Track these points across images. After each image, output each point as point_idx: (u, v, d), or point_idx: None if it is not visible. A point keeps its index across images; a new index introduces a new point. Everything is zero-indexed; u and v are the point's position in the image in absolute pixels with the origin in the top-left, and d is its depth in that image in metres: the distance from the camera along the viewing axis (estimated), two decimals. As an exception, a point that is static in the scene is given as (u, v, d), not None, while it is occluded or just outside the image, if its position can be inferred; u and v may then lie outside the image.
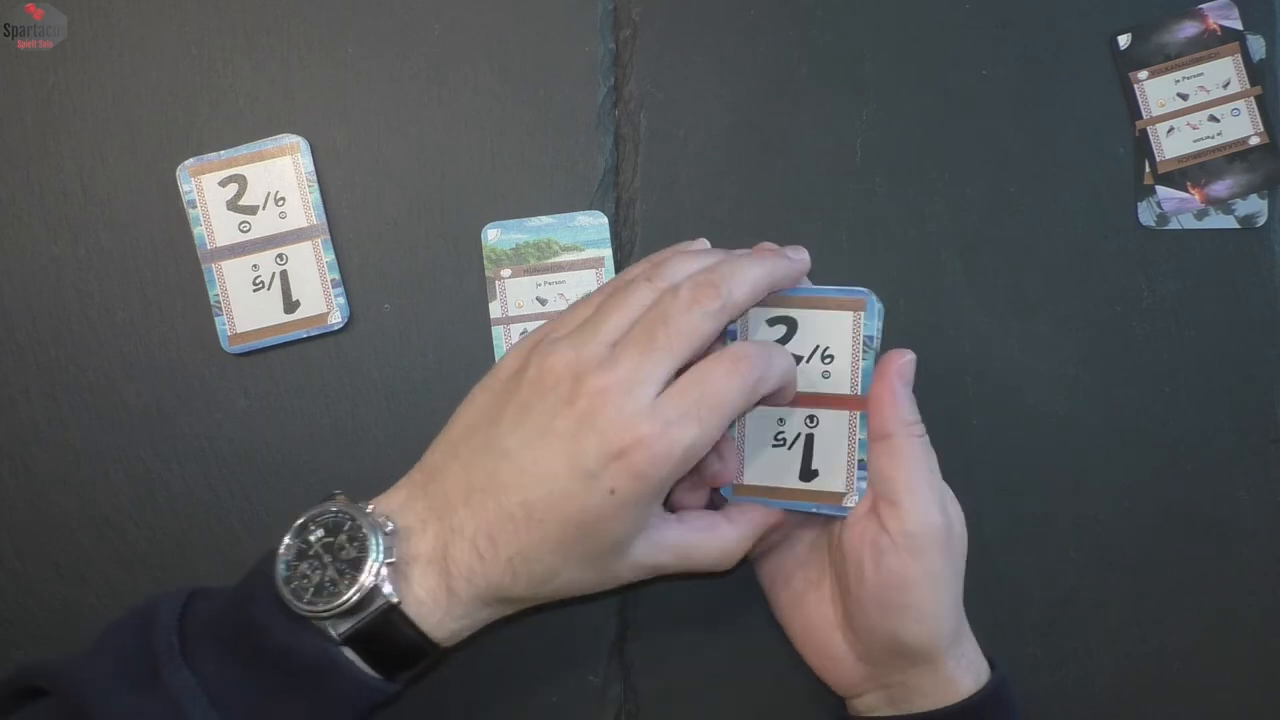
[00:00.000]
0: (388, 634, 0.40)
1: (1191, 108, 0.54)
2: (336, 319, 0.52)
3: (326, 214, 0.53)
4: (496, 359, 0.52)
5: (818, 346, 0.46)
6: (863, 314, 0.45)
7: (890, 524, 0.44)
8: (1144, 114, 0.54)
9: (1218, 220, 0.54)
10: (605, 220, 0.53)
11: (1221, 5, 0.54)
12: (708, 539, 0.44)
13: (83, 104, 0.53)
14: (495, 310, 0.53)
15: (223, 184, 0.53)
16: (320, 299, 0.52)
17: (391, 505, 0.42)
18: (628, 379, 0.40)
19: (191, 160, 0.53)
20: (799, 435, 0.46)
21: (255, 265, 0.53)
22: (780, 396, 0.45)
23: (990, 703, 0.46)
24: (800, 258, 0.46)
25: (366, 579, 0.40)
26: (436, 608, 0.41)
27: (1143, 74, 0.54)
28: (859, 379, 0.46)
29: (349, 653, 0.41)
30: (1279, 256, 0.54)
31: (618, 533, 0.41)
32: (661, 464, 0.39)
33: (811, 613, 0.49)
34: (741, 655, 0.52)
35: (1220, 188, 0.54)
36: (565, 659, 0.52)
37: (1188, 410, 0.53)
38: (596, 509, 0.40)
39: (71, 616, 0.52)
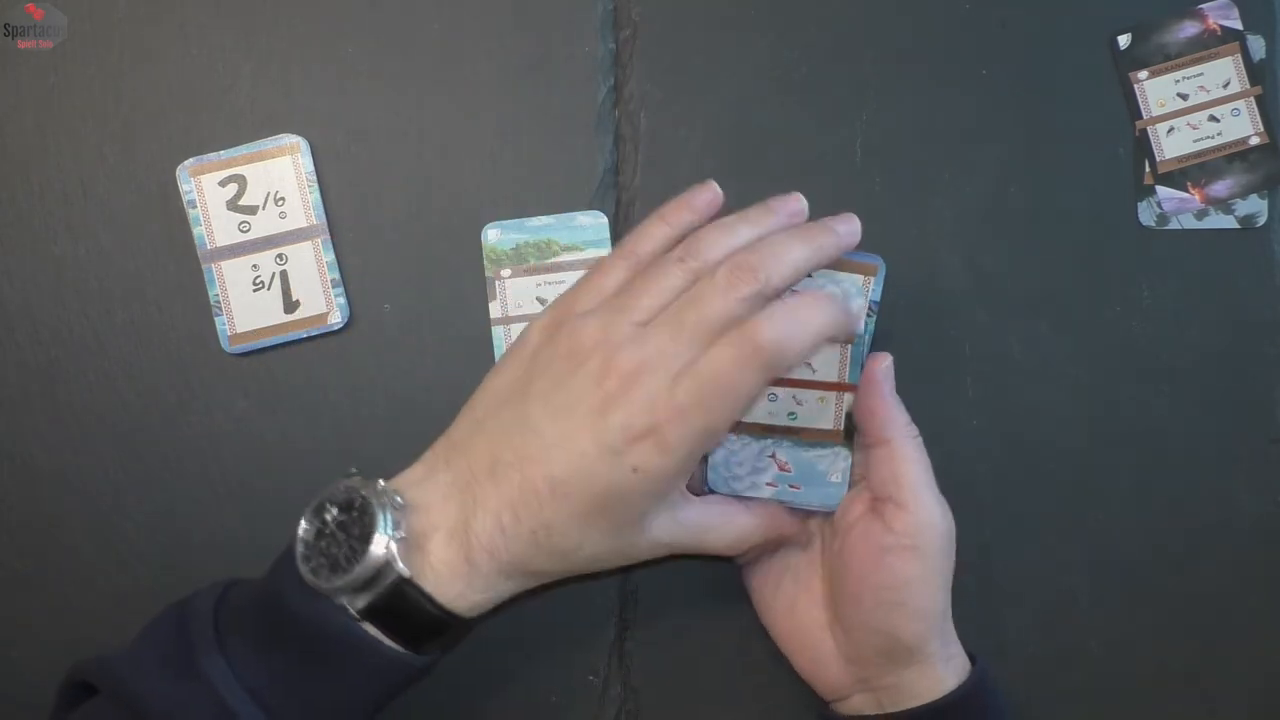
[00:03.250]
0: (405, 607, 0.41)
1: (1191, 108, 0.54)
2: (336, 319, 0.52)
3: (326, 214, 0.53)
4: (497, 359, 0.52)
5: None
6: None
7: (895, 524, 0.45)
8: (1144, 114, 0.54)
9: (1218, 220, 0.54)
10: (605, 220, 0.53)
11: (1221, 5, 0.54)
12: (725, 525, 0.46)
13: (83, 104, 0.53)
14: (495, 310, 0.53)
15: (223, 184, 0.53)
16: (320, 299, 0.52)
17: (411, 479, 0.43)
18: (654, 362, 0.40)
19: (191, 160, 0.53)
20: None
21: (255, 265, 0.52)
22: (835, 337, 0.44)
23: (973, 696, 0.46)
24: (849, 229, 0.45)
25: (376, 552, 0.40)
26: (456, 580, 0.41)
27: (1143, 74, 0.54)
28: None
29: (371, 629, 0.41)
30: (1279, 256, 0.54)
31: (640, 508, 0.42)
32: (679, 446, 0.40)
33: (802, 616, 0.49)
34: (741, 655, 0.52)
35: (1220, 188, 0.54)
36: (565, 659, 0.52)
37: (1188, 410, 0.53)
38: (620, 485, 0.40)
39: (72, 616, 0.52)
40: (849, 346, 0.47)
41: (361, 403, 0.53)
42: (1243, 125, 0.54)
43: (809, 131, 0.54)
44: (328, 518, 0.42)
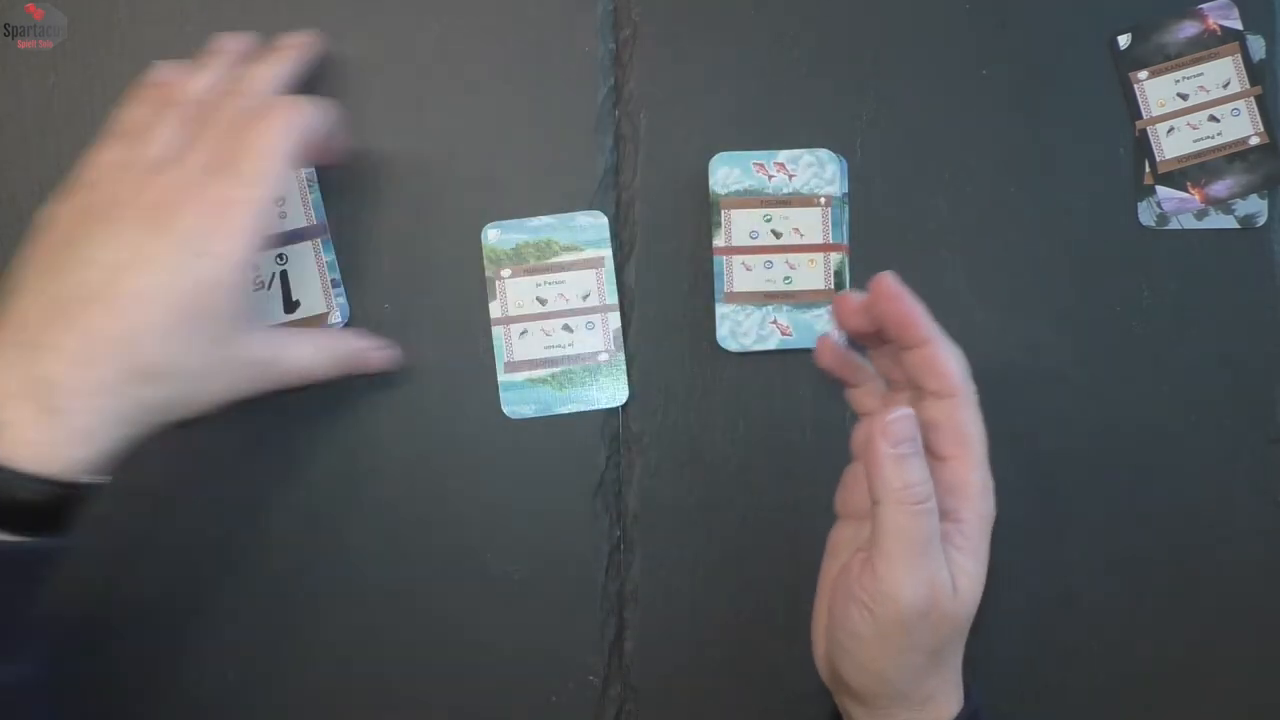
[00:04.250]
0: None
1: (1191, 108, 0.54)
2: (336, 319, 0.52)
3: (326, 214, 0.53)
4: (497, 358, 0.52)
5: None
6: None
7: (864, 578, 0.42)
8: (1144, 114, 0.54)
9: (1218, 220, 0.54)
10: (605, 220, 0.53)
11: (1221, 5, 0.54)
12: (297, 345, 0.48)
13: (83, 104, 0.53)
14: (495, 310, 0.53)
15: (223, 184, 0.53)
16: (320, 299, 0.52)
17: None
18: (183, 169, 0.43)
19: (191, 160, 0.53)
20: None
21: (255, 265, 0.52)
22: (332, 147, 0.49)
23: None
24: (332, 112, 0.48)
25: None
26: (39, 438, 0.39)
27: (1143, 74, 0.54)
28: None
29: None
30: (1279, 256, 0.54)
31: (228, 305, 0.43)
32: (238, 222, 0.42)
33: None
34: (741, 655, 0.52)
35: (1220, 188, 0.54)
36: (565, 659, 0.52)
37: (1188, 410, 0.53)
38: (201, 276, 0.42)
39: (71, 617, 0.52)
40: (829, 210, 0.52)
41: (361, 403, 0.53)
42: (1243, 125, 0.54)
43: (809, 131, 0.54)
44: None
